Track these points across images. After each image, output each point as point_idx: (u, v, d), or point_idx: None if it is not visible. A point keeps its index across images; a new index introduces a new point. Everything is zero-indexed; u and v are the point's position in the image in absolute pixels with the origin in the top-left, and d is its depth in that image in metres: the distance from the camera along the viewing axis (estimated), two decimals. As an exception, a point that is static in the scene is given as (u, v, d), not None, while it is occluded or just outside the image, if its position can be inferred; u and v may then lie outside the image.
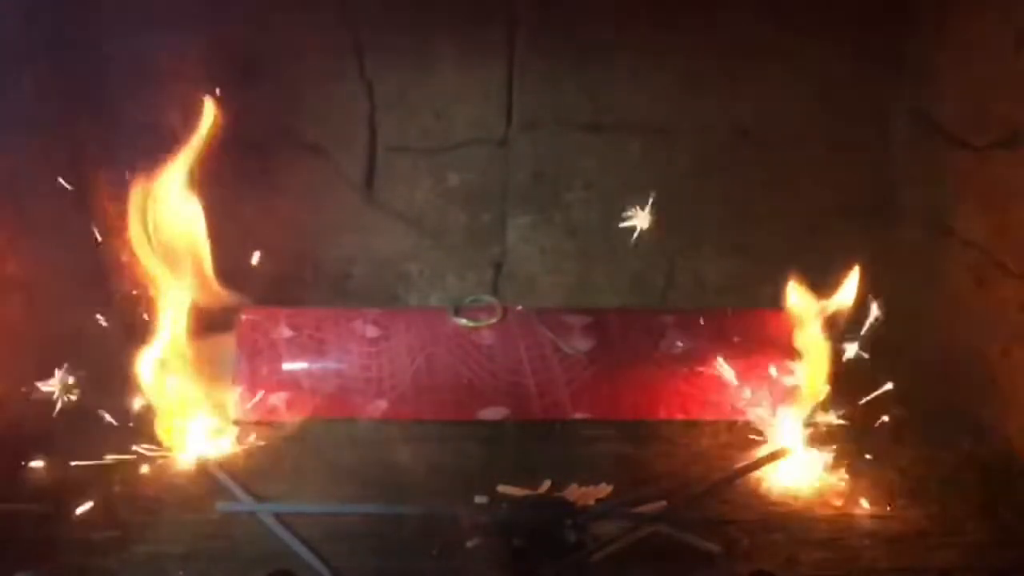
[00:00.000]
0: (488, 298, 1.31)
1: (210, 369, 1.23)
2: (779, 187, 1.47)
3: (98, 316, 1.29)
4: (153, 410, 1.19)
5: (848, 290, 1.22)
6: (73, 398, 1.20)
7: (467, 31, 1.42)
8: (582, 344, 1.24)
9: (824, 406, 1.21)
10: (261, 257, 1.37)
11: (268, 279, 1.40)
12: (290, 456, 1.19)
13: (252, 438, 1.22)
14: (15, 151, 1.24)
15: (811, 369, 1.22)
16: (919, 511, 1.09)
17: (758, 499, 1.12)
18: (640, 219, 1.29)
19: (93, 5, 1.34)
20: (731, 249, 1.50)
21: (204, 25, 1.35)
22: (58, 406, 1.19)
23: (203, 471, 1.15)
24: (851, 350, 1.24)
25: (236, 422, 1.23)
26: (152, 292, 1.21)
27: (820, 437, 1.18)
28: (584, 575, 0.98)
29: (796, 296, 1.24)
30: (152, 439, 1.18)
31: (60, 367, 1.21)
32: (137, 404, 1.21)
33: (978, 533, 1.05)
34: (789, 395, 1.22)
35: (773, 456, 1.17)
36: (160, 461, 1.16)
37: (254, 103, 1.40)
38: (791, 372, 1.22)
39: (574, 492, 1.10)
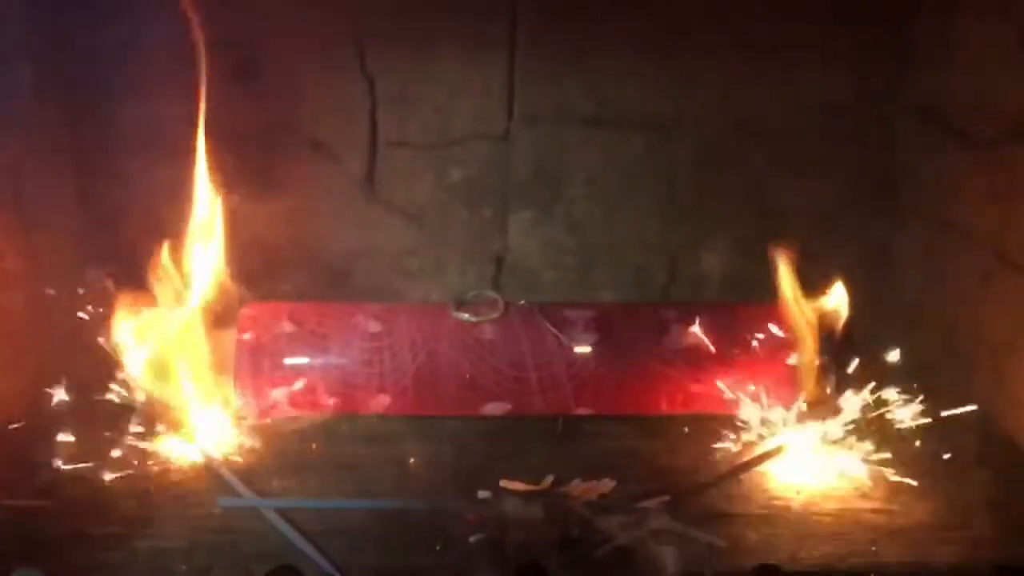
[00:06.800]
0: (490, 293, 1.30)
1: (212, 364, 1.22)
2: (782, 182, 1.46)
3: (99, 315, 1.28)
4: (155, 405, 1.19)
5: (843, 290, 1.22)
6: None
7: (468, 26, 1.41)
8: (585, 339, 1.23)
9: (827, 400, 1.21)
10: (263, 252, 1.37)
11: (270, 274, 1.40)
12: (292, 451, 1.19)
13: (254, 433, 1.21)
14: (15, 150, 1.24)
15: (814, 364, 1.21)
16: (924, 506, 1.08)
17: (762, 493, 1.12)
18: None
19: (93, 1, 1.34)
20: (733, 244, 1.49)
21: (205, 20, 1.34)
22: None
23: (205, 466, 1.14)
24: (852, 347, 1.23)
25: (238, 417, 1.23)
26: (154, 289, 1.20)
27: (824, 431, 1.18)
28: (587, 570, 0.98)
29: (799, 291, 1.24)
30: (154, 434, 1.17)
31: (60, 365, 1.20)
32: (139, 400, 1.20)
33: (984, 528, 1.05)
34: (793, 389, 1.22)
35: (777, 450, 1.17)
36: (162, 456, 1.15)
37: (255, 98, 1.39)
38: (794, 366, 1.22)
39: (577, 487, 1.09)
